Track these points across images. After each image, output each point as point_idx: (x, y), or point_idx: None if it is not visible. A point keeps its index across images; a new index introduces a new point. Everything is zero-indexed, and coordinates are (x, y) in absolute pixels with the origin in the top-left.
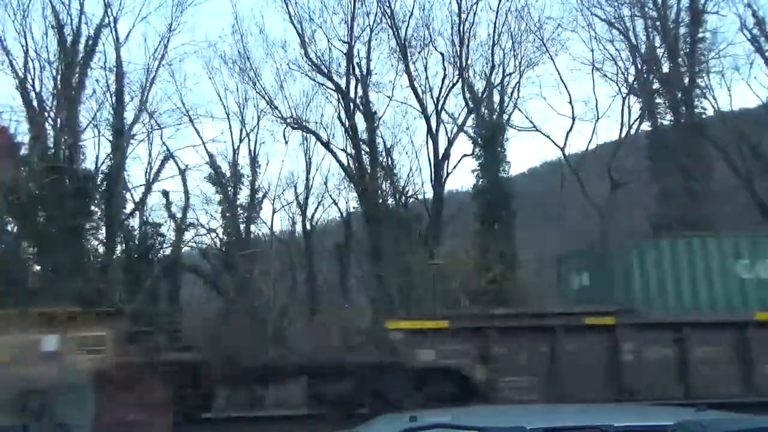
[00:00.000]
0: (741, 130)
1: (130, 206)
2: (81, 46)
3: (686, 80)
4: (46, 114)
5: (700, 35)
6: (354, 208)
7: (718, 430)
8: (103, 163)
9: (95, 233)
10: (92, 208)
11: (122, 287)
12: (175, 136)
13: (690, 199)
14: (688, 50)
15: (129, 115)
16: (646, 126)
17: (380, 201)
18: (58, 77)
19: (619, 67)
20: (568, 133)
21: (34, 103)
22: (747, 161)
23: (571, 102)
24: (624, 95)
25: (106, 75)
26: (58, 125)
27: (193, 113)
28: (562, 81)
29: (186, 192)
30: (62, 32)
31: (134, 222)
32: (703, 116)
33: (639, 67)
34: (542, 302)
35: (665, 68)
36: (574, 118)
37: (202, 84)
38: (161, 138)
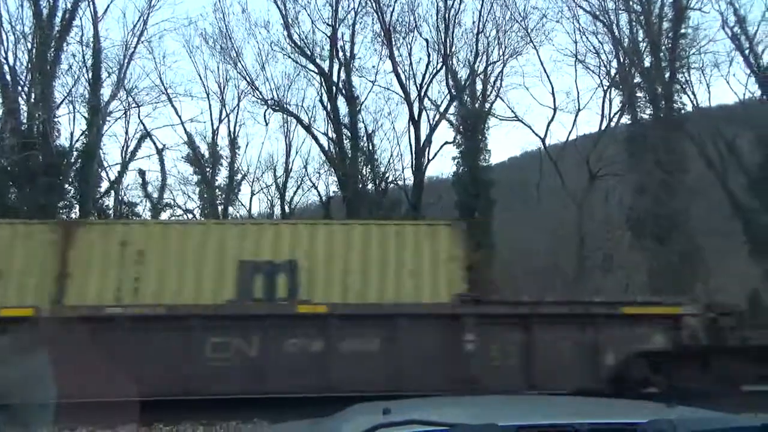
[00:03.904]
0: (717, 126)
1: (105, 185)
2: (57, 20)
3: (667, 75)
4: (19, 88)
5: (683, 31)
6: (334, 192)
7: (687, 428)
8: (77, 140)
9: (68, 212)
10: (65, 185)
11: None
12: (152, 114)
13: (665, 192)
14: (670, 45)
15: (106, 92)
16: (626, 119)
17: (360, 186)
18: (33, 51)
19: (602, 60)
20: (549, 124)
21: (8, 76)
22: (722, 157)
23: (553, 93)
24: (605, 88)
25: (82, 50)
26: (32, 100)
27: (172, 92)
28: (545, 71)
29: (163, 172)
30: (38, 4)
31: (109, 201)
32: (682, 111)
33: (621, 60)
34: (517, 291)
35: (647, 62)
36: (555, 109)
37: (182, 62)
38: (138, 116)
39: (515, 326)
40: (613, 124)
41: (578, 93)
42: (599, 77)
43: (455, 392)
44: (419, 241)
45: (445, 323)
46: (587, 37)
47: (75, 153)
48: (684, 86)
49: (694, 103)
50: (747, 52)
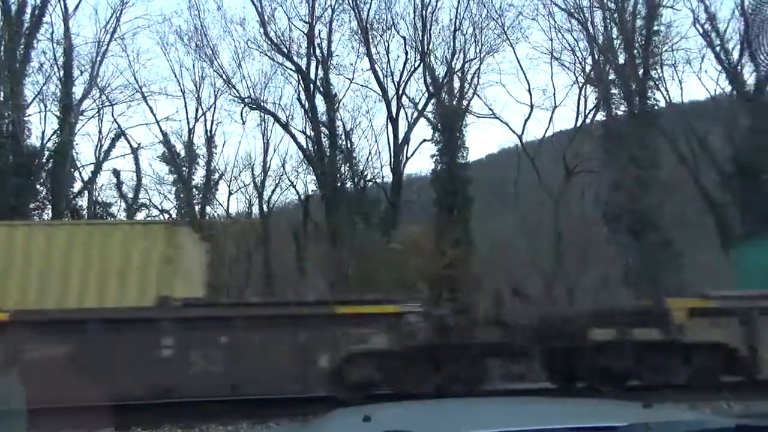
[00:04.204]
0: (689, 122)
1: (78, 185)
2: (27, 16)
3: (641, 72)
4: None
5: (655, 28)
6: (312, 190)
7: (664, 431)
8: (49, 139)
9: (40, 213)
10: (37, 186)
11: None
12: (126, 113)
13: (639, 188)
14: (643, 42)
15: (78, 91)
16: (601, 115)
17: (339, 184)
18: (2, 48)
19: (577, 57)
20: (525, 121)
21: None
22: (694, 153)
23: (529, 90)
24: (581, 85)
25: (53, 47)
26: (1, 99)
27: (147, 90)
28: (522, 69)
29: (138, 171)
30: (6, 0)
31: (83, 201)
32: (656, 108)
33: (596, 57)
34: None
35: (621, 59)
36: (532, 106)
37: (156, 60)
38: (112, 115)
39: (219, 329)
40: (588, 120)
41: (554, 90)
42: (575, 74)
43: (425, 396)
44: (130, 241)
45: (143, 328)
46: (563, 35)
47: (47, 153)
48: (657, 83)
49: (667, 99)
50: (718, 48)
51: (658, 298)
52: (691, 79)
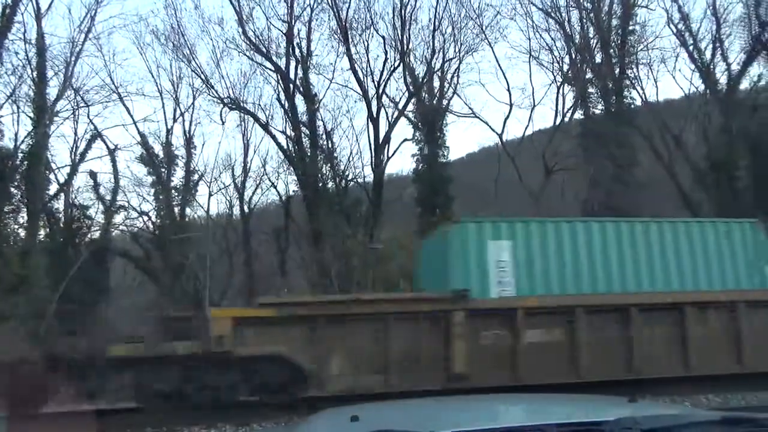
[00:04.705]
0: (665, 120)
1: (54, 188)
2: None
3: (617, 71)
4: None
5: (631, 28)
6: (294, 191)
7: (651, 425)
8: (23, 141)
9: (15, 216)
10: (11, 189)
11: (46, 273)
12: (103, 114)
13: (618, 185)
14: (619, 42)
15: (52, 91)
16: (579, 114)
17: (320, 184)
18: None
19: (555, 57)
20: (505, 120)
21: None
22: (670, 150)
23: (509, 89)
24: (559, 84)
25: (26, 47)
26: None
27: (123, 90)
28: (500, 68)
29: (115, 173)
30: None
31: (59, 204)
32: (632, 106)
33: (573, 56)
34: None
35: (598, 59)
36: (511, 105)
37: (133, 60)
38: (88, 116)
39: None
40: (567, 119)
41: (533, 89)
42: (553, 73)
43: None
44: None
45: None
46: (540, 34)
47: (20, 155)
48: (633, 82)
49: (643, 98)
50: (691, 48)
51: (200, 306)
52: (666, 78)
